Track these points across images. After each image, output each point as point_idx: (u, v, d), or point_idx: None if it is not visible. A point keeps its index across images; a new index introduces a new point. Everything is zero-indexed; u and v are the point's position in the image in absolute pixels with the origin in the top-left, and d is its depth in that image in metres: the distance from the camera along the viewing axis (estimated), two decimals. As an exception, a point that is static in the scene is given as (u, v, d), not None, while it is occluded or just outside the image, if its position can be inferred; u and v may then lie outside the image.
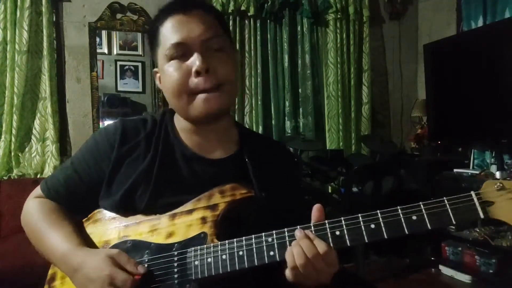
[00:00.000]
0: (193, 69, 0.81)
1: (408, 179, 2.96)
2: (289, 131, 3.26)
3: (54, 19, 2.74)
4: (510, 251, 2.43)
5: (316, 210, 0.75)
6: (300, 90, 3.32)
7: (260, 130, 3.15)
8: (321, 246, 0.71)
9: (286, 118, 3.28)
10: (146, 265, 0.79)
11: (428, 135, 3.26)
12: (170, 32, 0.83)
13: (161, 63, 0.86)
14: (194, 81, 0.82)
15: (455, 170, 2.82)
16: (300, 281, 0.73)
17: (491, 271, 2.51)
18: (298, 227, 0.74)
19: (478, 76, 2.71)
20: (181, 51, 0.82)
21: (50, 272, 0.90)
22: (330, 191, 3.20)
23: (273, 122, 3.22)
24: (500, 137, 2.60)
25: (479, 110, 2.72)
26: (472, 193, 0.69)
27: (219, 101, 0.83)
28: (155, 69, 0.92)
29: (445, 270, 2.77)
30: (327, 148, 3.31)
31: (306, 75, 3.31)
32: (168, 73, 0.84)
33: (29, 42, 2.61)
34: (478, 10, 3.05)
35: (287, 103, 3.26)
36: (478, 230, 2.67)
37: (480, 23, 3.03)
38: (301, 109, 3.33)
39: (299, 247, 0.71)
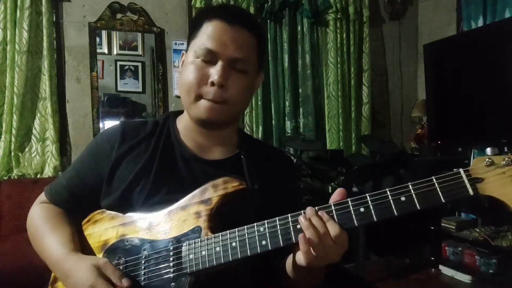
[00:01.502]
0: (210, 79, 0.84)
1: (408, 179, 2.95)
2: (289, 131, 3.26)
3: (54, 19, 2.73)
4: (510, 251, 2.43)
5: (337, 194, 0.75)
6: (300, 90, 3.32)
7: (260, 130, 3.15)
8: (331, 227, 0.71)
9: (286, 118, 3.28)
10: (143, 261, 0.81)
11: (428, 135, 3.26)
12: (208, 35, 0.86)
13: (191, 53, 0.89)
14: (206, 87, 0.85)
15: (455, 170, 2.82)
16: (311, 262, 0.73)
17: (491, 271, 2.51)
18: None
19: (478, 76, 2.71)
20: (209, 57, 0.86)
21: (53, 274, 0.92)
22: (330, 191, 3.20)
23: (273, 122, 3.22)
24: (500, 137, 2.60)
25: (479, 110, 2.72)
26: (461, 170, 0.68)
27: (219, 113, 0.87)
28: (183, 51, 0.95)
29: (445, 270, 2.77)
30: (327, 148, 3.31)
31: (306, 75, 3.31)
32: (190, 68, 0.87)
33: (29, 42, 2.61)
34: (478, 10, 3.05)
35: (287, 103, 3.26)
36: (478, 230, 2.68)
37: (480, 23, 3.03)
38: (301, 109, 3.33)
39: (310, 225, 0.72)
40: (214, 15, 0.87)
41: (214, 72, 0.84)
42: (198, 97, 0.86)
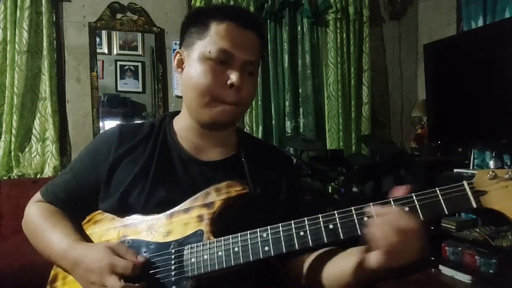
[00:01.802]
0: (230, 81, 0.84)
1: (408, 179, 2.96)
2: (289, 131, 3.26)
3: (54, 19, 2.74)
4: (510, 251, 2.43)
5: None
6: (300, 90, 3.32)
7: (260, 130, 3.15)
8: (411, 220, 0.66)
9: (286, 118, 3.28)
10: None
11: (428, 135, 3.26)
12: (223, 36, 0.84)
13: (197, 55, 0.86)
14: (225, 90, 0.84)
15: (455, 170, 2.82)
16: (389, 261, 0.67)
17: (491, 271, 2.51)
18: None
19: (478, 76, 2.71)
20: (225, 58, 0.84)
21: (52, 273, 0.91)
22: (330, 191, 3.20)
23: (273, 122, 3.22)
24: (500, 137, 2.60)
25: (479, 110, 2.72)
26: (465, 182, 0.69)
27: (232, 115, 0.88)
28: (179, 50, 0.92)
29: (445, 270, 2.77)
30: (327, 148, 3.31)
31: (306, 75, 3.31)
32: (201, 71, 0.85)
33: (29, 42, 2.61)
34: (478, 10, 3.05)
35: (287, 103, 3.26)
36: (478, 230, 2.67)
37: (480, 23, 3.03)
38: (301, 109, 3.33)
39: (388, 223, 0.66)
40: (224, 16, 0.85)
41: (233, 74, 0.84)
42: (214, 99, 0.85)
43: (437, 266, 2.82)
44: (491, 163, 2.52)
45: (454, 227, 2.81)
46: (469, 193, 0.68)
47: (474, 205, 0.68)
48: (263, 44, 0.92)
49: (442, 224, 2.90)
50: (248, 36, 0.86)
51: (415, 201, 0.70)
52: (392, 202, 0.71)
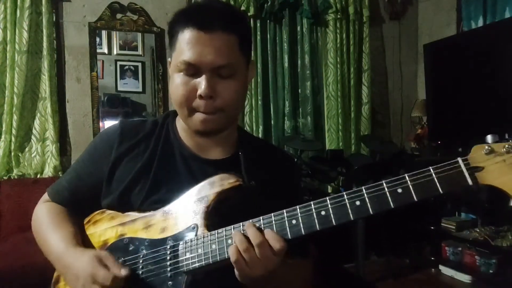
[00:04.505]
0: (198, 92, 0.82)
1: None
2: (289, 131, 3.26)
3: (54, 19, 2.74)
4: (510, 251, 2.43)
5: None
6: (299, 90, 3.32)
7: (260, 130, 3.15)
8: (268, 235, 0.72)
9: (285, 118, 3.28)
10: (141, 261, 0.82)
11: (428, 135, 3.26)
12: (185, 47, 0.81)
13: (173, 65, 0.86)
14: (197, 101, 0.83)
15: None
16: (246, 275, 0.73)
17: (491, 271, 2.51)
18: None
19: (478, 76, 2.71)
20: (191, 71, 0.82)
21: (55, 274, 0.93)
22: (330, 191, 3.20)
23: (272, 122, 3.22)
24: (500, 137, 2.60)
25: (479, 110, 2.72)
26: (459, 159, 0.65)
27: (216, 123, 0.86)
28: (169, 60, 0.92)
29: (445, 270, 2.77)
30: (327, 148, 3.31)
31: (306, 75, 3.31)
32: (175, 83, 0.85)
33: (29, 42, 2.61)
34: (478, 10, 3.05)
35: (286, 103, 3.26)
36: (478, 230, 2.68)
37: (480, 23, 3.03)
38: (300, 109, 3.33)
39: (241, 236, 0.73)
40: (187, 22, 0.82)
41: (200, 85, 0.81)
42: (192, 111, 0.85)
43: (437, 266, 2.83)
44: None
45: (454, 227, 2.82)
46: (464, 170, 0.65)
47: (470, 182, 0.64)
48: (243, 36, 0.85)
49: (442, 224, 2.90)
50: (214, 39, 0.80)
51: (408, 181, 0.68)
52: (384, 184, 0.69)
